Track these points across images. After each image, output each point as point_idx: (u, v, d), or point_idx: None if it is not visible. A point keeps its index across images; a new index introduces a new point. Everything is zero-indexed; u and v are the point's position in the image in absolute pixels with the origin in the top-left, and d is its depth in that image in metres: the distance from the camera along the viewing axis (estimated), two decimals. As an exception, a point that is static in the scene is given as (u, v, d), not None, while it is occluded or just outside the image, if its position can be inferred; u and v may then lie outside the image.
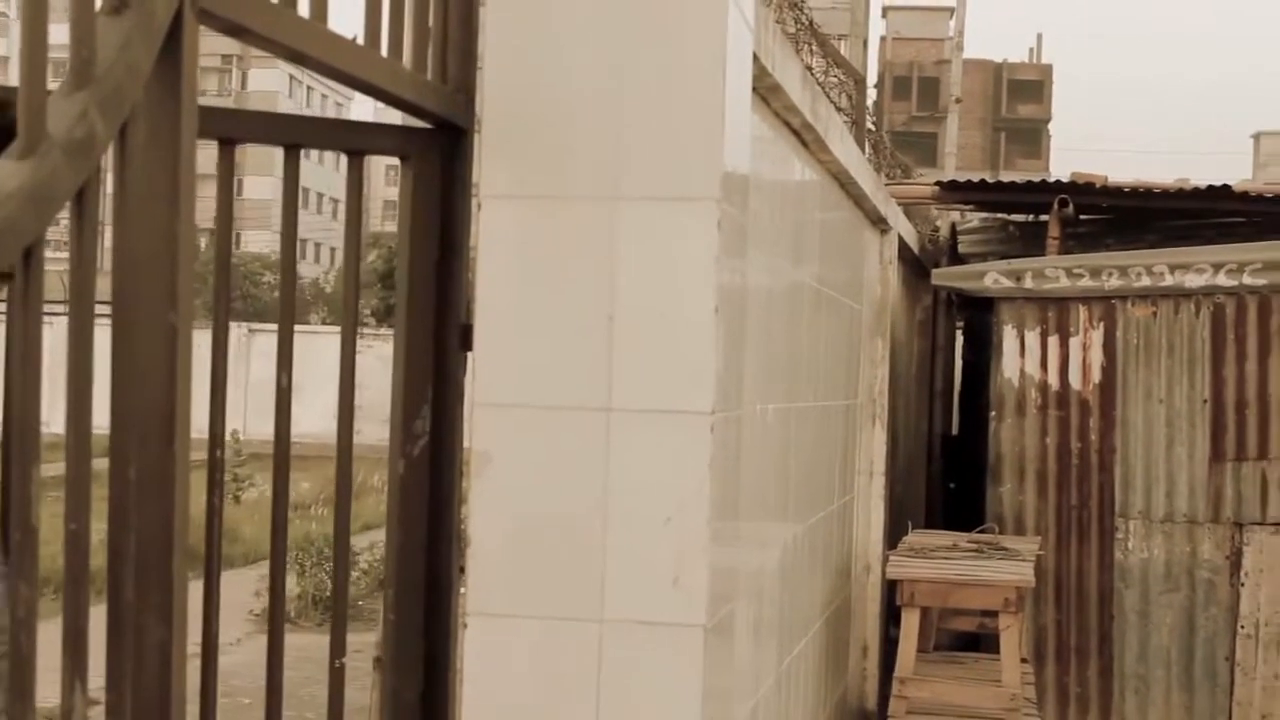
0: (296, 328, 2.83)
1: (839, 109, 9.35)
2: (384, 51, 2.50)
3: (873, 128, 12.87)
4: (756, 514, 3.89)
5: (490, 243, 2.68)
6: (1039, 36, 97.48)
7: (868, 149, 10.79)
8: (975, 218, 10.90)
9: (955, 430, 12.49)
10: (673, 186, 2.67)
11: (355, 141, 2.54)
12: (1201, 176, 9.44)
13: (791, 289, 4.71)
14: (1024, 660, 6.58)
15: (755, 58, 3.38)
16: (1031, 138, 63.63)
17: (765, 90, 3.82)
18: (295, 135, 2.46)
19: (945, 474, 11.44)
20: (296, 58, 2.06)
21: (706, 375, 2.67)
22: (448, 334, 2.71)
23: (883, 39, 56.12)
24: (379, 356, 8.63)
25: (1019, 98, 64.16)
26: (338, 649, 2.67)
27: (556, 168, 2.66)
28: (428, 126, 2.69)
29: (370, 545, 13.52)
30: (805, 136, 4.66)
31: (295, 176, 2.55)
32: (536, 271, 2.55)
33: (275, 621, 2.54)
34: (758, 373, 3.86)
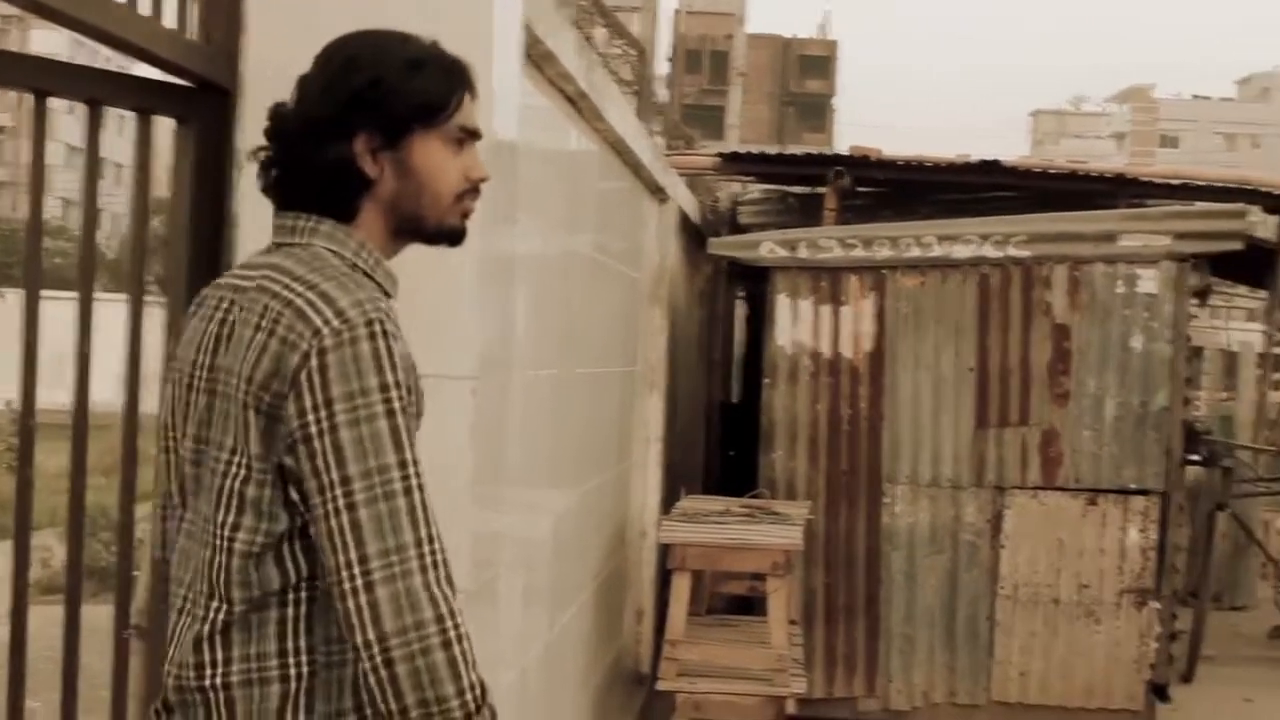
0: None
1: (623, 80, 9.42)
2: (144, 10, 2.47)
3: (657, 99, 12.96)
4: (525, 479, 3.92)
5: (251, 206, 2.67)
6: (827, 14, 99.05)
7: (655, 120, 10.87)
8: (756, 189, 11.06)
9: (736, 398, 12.66)
10: (435, 152, 2.67)
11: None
12: (984, 154, 9.69)
13: (566, 256, 4.74)
14: (794, 622, 6.73)
15: (527, 25, 3.39)
16: (818, 113, 64.56)
17: (538, 57, 3.84)
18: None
19: (725, 441, 11.58)
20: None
21: (468, 340, 2.69)
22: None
23: (676, 12, 56.37)
24: (162, 324, 8.38)
25: (806, 73, 65.04)
26: (123, 620, 2.68)
27: (319, 131, 2.64)
28: (188, 85, 2.67)
29: (146, 515, 13.21)
30: (580, 105, 4.69)
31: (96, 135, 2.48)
32: (297, 235, 2.53)
33: (72, 592, 2.56)
34: (529, 339, 3.88)
